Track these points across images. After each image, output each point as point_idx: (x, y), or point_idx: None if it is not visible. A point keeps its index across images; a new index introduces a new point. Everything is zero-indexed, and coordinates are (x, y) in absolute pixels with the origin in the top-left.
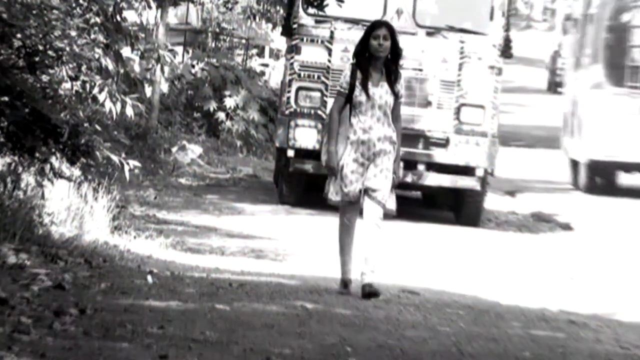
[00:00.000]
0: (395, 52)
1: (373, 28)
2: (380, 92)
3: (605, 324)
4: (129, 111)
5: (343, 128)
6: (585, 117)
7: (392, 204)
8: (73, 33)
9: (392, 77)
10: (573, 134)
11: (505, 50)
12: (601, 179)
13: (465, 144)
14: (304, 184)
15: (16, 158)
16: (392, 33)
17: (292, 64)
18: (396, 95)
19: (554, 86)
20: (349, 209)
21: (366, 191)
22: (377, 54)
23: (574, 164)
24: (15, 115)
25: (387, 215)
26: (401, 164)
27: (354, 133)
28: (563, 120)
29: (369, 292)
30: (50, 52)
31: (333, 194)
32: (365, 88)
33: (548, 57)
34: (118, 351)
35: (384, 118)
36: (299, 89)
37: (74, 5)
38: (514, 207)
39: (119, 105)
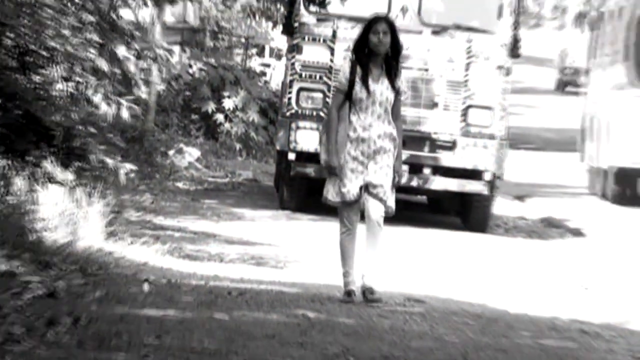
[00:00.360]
0: (395, 47)
1: (372, 23)
2: (381, 88)
3: (618, 334)
4: (125, 113)
5: (342, 126)
6: (609, 121)
7: (391, 203)
8: (67, 32)
9: (392, 73)
10: (594, 138)
11: (513, 50)
12: (624, 187)
13: (473, 146)
14: (305, 189)
15: (8, 161)
16: (392, 28)
17: (293, 63)
18: (397, 92)
19: (563, 85)
20: (348, 210)
21: (367, 188)
22: (377, 50)
23: (595, 171)
24: (6, 117)
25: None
26: (405, 167)
27: (353, 131)
28: (582, 123)
29: (371, 300)
30: (43, 52)
31: (332, 195)
32: (365, 84)
33: (556, 55)
34: None
35: (384, 115)
36: (301, 89)
37: (67, 3)
38: (523, 212)
39: (114, 106)
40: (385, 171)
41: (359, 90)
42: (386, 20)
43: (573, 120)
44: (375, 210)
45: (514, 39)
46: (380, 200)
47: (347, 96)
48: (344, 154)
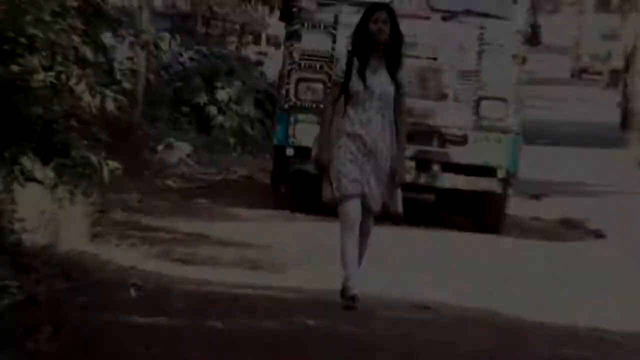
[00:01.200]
0: (396, 37)
1: (371, 11)
2: (380, 80)
3: None
4: (110, 105)
5: (338, 120)
6: None
7: (396, 206)
8: (47, 18)
9: (392, 64)
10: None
11: (533, 37)
12: None
13: (485, 141)
14: (305, 187)
15: None
16: (392, 16)
17: (291, 52)
18: (398, 86)
19: (578, 73)
20: (349, 205)
21: (363, 198)
22: (376, 39)
23: None
24: None
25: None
26: (412, 164)
27: (351, 125)
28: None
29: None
30: (21, 39)
31: (332, 192)
32: (362, 76)
33: (571, 41)
34: None
35: (384, 109)
36: (300, 80)
37: None
38: (539, 212)
39: (98, 98)
40: (383, 180)
41: (355, 82)
42: (386, 7)
43: (593, 113)
44: (366, 222)
45: (532, 26)
46: (374, 215)
47: (344, 89)
48: (341, 147)
